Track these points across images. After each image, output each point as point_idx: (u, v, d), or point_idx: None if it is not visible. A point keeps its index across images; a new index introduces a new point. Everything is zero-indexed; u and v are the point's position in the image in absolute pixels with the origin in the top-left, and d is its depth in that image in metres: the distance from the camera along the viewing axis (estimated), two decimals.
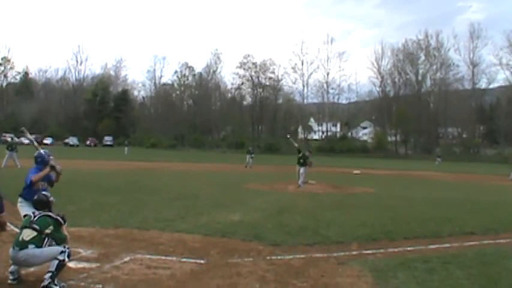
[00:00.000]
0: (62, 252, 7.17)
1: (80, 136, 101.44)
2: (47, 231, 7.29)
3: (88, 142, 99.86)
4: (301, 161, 27.85)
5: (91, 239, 10.38)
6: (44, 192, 8.01)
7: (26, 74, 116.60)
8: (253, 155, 48.55)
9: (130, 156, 59.73)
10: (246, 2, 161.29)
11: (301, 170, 27.42)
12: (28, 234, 7.23)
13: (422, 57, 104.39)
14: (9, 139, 56.05)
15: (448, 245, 11.43)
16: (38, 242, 7.18)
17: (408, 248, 10.88)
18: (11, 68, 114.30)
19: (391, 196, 23.02)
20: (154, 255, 9.44)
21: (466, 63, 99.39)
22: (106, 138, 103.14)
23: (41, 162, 9.12)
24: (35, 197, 7.81)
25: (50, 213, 7.53)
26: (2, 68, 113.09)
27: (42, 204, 7.65)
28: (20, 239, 7.22)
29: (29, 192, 8.65)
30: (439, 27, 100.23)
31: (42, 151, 9.27)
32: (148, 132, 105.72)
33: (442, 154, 75.33)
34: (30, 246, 7.14)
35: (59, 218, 7.46)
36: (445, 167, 57.08)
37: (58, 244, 7.31)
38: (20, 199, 8.85)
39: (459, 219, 15.34)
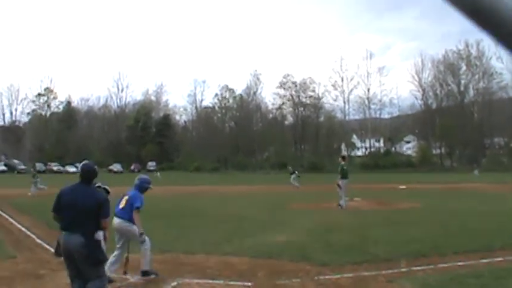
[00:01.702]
0: None
1: (124, 162, 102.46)
2: None
3: (132, 168, 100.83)
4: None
5: (138, 264, 10.48)
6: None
7: (69, 103, 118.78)
8: (296, 173, 47.48)
9: (175, 180, 60.06)
10: (283, 21, 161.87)
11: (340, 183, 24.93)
12: None
13: (464, 67, 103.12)
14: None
15: (500, 258, 11.14)
16: None
17: (459, 263, 10.65)
18: (54, 98, 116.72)
19: (439, 210, 22.67)
20: (202, 279, 9.45)
21: (509, 71, 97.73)
22: (149, 163, 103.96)
23: (142, 186, 9.90)
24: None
25: None
26: (46, 98, 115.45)
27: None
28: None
29: (128, 213, 9.47)
30: (479, 37, 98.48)
31: (145, 176, 10.22)
32: (192, 156, 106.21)
33: (481, 165, 73.38)
34: None
35: None
36: (493, 178, 55.93)
37: None
38: (128, 223, 9.54)
39: (511, 232, 14.99)
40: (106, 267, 8.43)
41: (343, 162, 25.52)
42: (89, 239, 7.02)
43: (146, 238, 9.63)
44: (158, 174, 69.24)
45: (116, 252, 9.77)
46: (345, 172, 24.58)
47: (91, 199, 7.24)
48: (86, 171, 7.51)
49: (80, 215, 7.08)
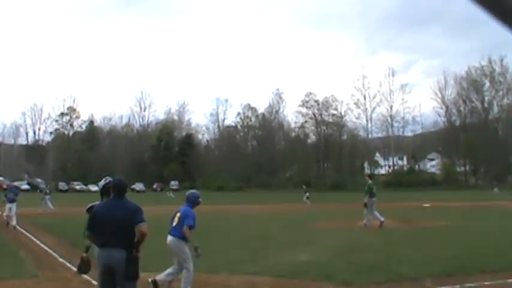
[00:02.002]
0: None
1: (146, 181, 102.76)
2: None
3: (154, 187, 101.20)
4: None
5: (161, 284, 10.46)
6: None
7: (92, 122, 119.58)
8: (307, 194, 49.61)
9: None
10: (305, 40, 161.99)
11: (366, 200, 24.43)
12: None
13: (487, 84, 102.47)
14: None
15: None
16: None
17: (485, 283, 10.49)
18: (77, 117, 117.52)
19: (464, 228, 22.43)
20: None
21: None
22: (172, 182, 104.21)
23: (195, 201, 10.25)
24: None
25: None
26: (68, 118, 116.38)
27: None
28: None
29: (179, 231, 9.80)
30: (502, 52, 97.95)
31: (194, 191, 10.71)
32: (214, 175, 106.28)
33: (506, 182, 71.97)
34: None
35: None
36: None
37: None
38: (179, 241, 9.86)
39: None
40: (162, 275, 9.50)
41: (370, 181, 25.33)
42: (130, 252, 7.19)
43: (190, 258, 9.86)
44: (171, 193, 69.58)
45: (175, 266, 10.11)
46: (372, 191, 24.27)
47: (127, 212, 7.40)
48: (118, 185, 7.75)
49: (119, 229, 7.23)
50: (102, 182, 9.05)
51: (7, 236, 21.71)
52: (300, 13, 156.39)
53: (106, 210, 7.52)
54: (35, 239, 20.01)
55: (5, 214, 25.76)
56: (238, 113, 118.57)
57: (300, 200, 51.48)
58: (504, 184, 78.58)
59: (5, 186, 36.01)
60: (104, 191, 8.74)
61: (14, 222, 24.39)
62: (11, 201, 25.29)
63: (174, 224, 9.98)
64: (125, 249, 7.17)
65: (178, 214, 10.10)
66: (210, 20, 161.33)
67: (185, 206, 10.19)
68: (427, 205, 43.17)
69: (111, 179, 8.93)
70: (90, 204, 9.07)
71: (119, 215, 7.30)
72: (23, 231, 23.14)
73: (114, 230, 7.20)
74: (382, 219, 23.73)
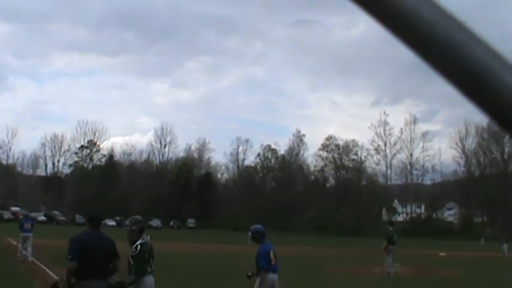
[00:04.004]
0: None
1: (163, 218, 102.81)
2: None
3: (171, 224, 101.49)
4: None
5: None
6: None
7: (111, 156, 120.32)
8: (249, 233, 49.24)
9: (214, 239, 60.54)
10: (329, 82, 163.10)
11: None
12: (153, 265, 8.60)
13: (508, 136, 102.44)
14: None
15: None
16: None
17: None
18: (97, 151, 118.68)
19: (479, 278, 22.91)
20: None
21: None
22: (189, 220, 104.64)
23: (262, 237, 10.54)
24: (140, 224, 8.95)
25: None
26: (88, 151, 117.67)
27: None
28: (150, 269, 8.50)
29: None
30: None
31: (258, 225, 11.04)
32: (232, 215, 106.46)
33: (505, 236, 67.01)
34: None
35: None
36: None
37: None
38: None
39: None
40: None
41: (391, 228, 25.88)
42: (108, 283, 7.69)
43: None
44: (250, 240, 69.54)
45: None
46: (393, 239, 24.47)
47: (108, 244, 7.93)
48: (98, 217, 8.41)
49: (102, 261, 7.62)
50: (140, 220, 9.41)
51: (23, 267, 22.24)
52: (327, 55, 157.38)
53: (91, 241, 7.69)
54: (49, 271, 20.33)
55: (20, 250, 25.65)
56: (258, 154, 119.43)
57: (319, 243, 51.57)
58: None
59: (20, 217, 35.08)
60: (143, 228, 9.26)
61: (29, 256, 24.60)
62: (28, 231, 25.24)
63: (274, 261, 10.31)
64: (106, 280, 7.60)
65: (272, 251, 10.39)
66: (234, 59, 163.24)
67: (268, 242, 10.56)
68: (443, 254, 43.50)
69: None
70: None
71: (104, 246, 7.71)
72: (37, 262, 23.56)
73: (99, 262, 7.47)
74: (392, 272, 23.73)
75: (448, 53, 0.67)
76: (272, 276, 10.19)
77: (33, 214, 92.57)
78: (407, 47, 0.54)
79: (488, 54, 0.65)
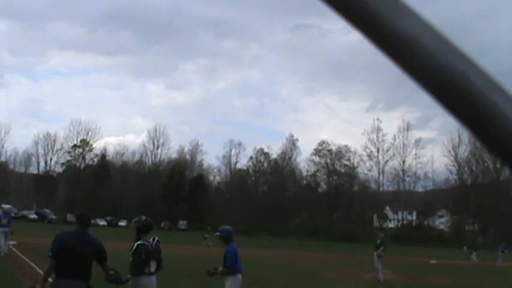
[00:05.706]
0: None
1: (154, 219, 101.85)
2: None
3: (162, 225, 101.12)
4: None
5: None
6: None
7: (104, 156, 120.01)
8: (206, 235, 52.25)
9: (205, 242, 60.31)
10: (324, 87, 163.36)
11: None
12: (154, 266, 8.71)
13: None
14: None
15: None
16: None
17: None
18: (89, 151, 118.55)
19: (467, 287, 22.91)
20: None
21: None
22: (181, 222, 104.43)
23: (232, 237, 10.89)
24: (145, 221, 9.28)
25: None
26: (81, 150, 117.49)
27: (151, 227, 9.17)
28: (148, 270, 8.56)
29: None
30: None
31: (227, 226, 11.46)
32: (223, 218, 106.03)
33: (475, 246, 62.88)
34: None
35: None
36: None
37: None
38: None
39: None
40: None
41: (383, 234, 26.00)
42: (88, 285, 7.51)
43: None
44: (209, 242, 69.58)
45: None
46: (386, 244, 24.79)
47: (93, 246, 7.70)
48: (84, 216, 8.27)
49: (83, 261, 7.40)
50: (141, 220, 9.53)
51: (13, 265, 22.17)
52: (323, 60, 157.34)
53: (78, 240, 7.57)
54: (39, 270, 20.32)
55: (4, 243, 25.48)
56: (251, 157, 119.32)
57: (310, 248, 51.52)
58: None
59: (12, 215, 33.99)
60: (143, 228, 9.25)
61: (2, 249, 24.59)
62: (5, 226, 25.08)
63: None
64: (86, 281, 7.37)
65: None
66: (230, 62, 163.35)
67: (234, 244, 10.89)
68: (433, 261, 43.49)
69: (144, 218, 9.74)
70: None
71: (86, 247, 7.48)
72: (28, 260, 23.50)
73: (82, 261, 7.34)
74: (381, 278, 23.49)
75: (448, 84, 0.64)
76: (239, 276, 10.78)
77: (24, 212, 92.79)
78: (407, 74, 0.57)
79: (490, 87, 0.62)
